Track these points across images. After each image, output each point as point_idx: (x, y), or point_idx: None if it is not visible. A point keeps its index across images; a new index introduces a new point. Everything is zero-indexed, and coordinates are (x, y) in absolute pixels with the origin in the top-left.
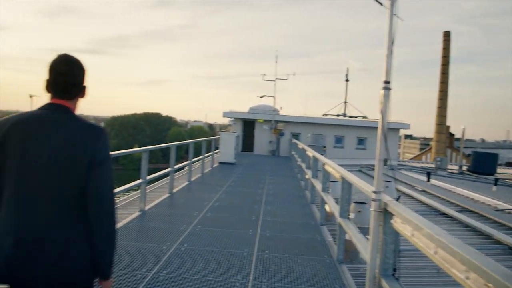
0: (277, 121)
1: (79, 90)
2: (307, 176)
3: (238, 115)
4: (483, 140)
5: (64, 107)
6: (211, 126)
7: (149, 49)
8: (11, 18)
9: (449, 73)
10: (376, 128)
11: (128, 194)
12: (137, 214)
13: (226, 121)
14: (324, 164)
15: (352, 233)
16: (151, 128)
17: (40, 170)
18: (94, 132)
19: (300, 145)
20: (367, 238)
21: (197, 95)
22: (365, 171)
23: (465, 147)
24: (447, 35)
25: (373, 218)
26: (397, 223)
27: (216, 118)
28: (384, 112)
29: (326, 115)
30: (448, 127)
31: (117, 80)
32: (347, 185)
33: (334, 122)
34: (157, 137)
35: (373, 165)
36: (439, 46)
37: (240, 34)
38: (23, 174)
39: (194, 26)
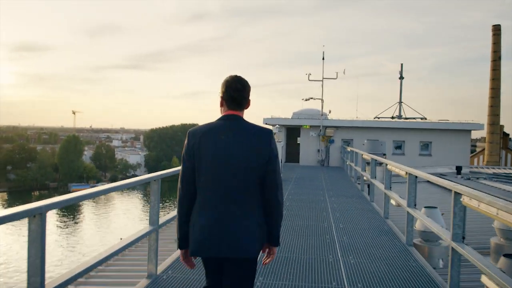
0: (326, 127)
1: (246, 103)
2: (393, 202)
3: (280, 121)
4: None
5: (239, 116)
6: None
7: (185, 62)
8: (53, 39)
9: (501, 69)
10: (442, 130)
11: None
12: (144, 282)
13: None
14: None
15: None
16: None
17: (232, 165)
18: (268, 134)
19: (367, 155)
20: None
21: None
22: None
23: None
24: (497, 29)
25: None
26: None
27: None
28: None
29: (379, 118)
30: (501, 126)
31: (154, 93)
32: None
33: (392, 126)
34: None
35: (444, 174)
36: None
37: (274, 42)
38: (218, 169)
39: (227, 37)
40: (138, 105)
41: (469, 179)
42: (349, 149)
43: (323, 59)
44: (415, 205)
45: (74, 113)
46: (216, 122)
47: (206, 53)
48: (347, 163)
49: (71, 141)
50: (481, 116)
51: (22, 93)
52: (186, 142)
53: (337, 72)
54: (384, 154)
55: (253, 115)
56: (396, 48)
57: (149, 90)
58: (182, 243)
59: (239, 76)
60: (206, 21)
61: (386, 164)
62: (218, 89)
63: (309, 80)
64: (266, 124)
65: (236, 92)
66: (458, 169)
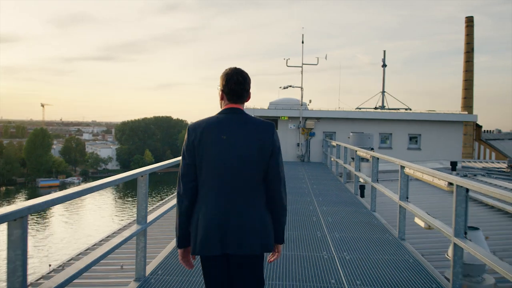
0: (306, 118)
1: (247, 96)
2: (421, 224)
3: (255, 112)
4: (499, 131)
5: (240, 109)
6: None
7: (158, 54)
8: (23, 29)
9: (473, 61)
10: (433, 122)
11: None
12: (133, 286)
13: None
14: None
15: None
16: (162, 132)
17: (234, 160)
18: (270, 127)
19: (364, 152)
20: None
21: (208, 97)
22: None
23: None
24: (470, 21)
25: None
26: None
27: None
28: None
29: (360, 109)
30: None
31: (127, 85)
32: None
33: (378, 117)
34: (168, 141)
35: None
36: (453, 36)
37: (249, 34)
38: (221, 164)
39: (202, 28)
40: (110, 98)
41: (465, 175)
42: (334, 143)
43: (302, 42)
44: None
45: (43, 106)
46: (217, 116)
47: (181, 44)
48: (332, 159)
49: (39, 135)
50: (455, 108)
51: None
52: (186, 137)
53: (317, 58)
54: (372, 148)
55: None
56: (370, 41)
57: (122, 82)
58: (182, 242)
59: (239, 68)
60: (180, 11)
61: (403, 167)
62: (217, 82)
63: (287, 66)
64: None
65: (236, 84)
66: (453, 164)
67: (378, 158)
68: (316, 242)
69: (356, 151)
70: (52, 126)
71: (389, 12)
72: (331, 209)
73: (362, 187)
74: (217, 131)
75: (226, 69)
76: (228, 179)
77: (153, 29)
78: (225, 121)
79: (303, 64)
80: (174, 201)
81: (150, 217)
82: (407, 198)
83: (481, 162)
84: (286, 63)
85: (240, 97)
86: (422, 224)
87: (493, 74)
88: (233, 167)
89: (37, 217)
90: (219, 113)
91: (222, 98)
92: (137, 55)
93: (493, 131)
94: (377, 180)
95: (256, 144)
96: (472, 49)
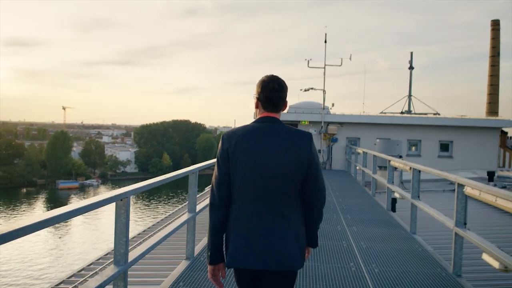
0: (328, 123)
1: (283, 105)
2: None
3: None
4: None
5: (276, 119)
6: None
7: (178, 58)
8: (45, 33)
9: (499, 65)
10: (466, 128)
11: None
12: (183, 263)
13: None
14: None
15: None
16: (180, 135)
17: (269, 171)
18: (308, 138)
19: (400, 164)
20: None
21: (226, 101)
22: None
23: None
24: (496, 24)
25: None
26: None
27: (248, 122)
28: None
29: (385, 113)
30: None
31: (147, 89)
32: None
33: (406, 122)
34: (186, 144)
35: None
36: (475, 41)
37: (268, 38)
38: (255, 175)
39: (221, 33)
40: (130, 101)
41: (504, 187)
42: (360, 150)
43: (325, 42)
44: None
45: (64, 108)
46: (252, 125)
47: (200, 49)
48: (358, 168)
49: (59, 137)
50: (478, 115)
51: (14, 88)
52: (220, 145)
53: (341, 58)
54: (400, 156)
55: (245, 112)
56: (389, 46)
57: (141, 86)
58: (214, 257)
59: (276, 76)
60: (200, 16)
61: (461, 185)
62: (254, 90)
63: (309, 67)
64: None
65: (273, 92)
66: (490, 175)
67: (419, 171)
68: (350, 279)
69: (389, 160)
70: (73, 128)
71: (408, 17)
72: (363, 230)
73: (393, 200)
74: (252, 140)
75: (263, 77)
76: (262, 191)
77: (173, 33)
78: (261, 130)
79: (325, 65)
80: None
81: (198, 207)
82: (465, 224)
83: (508, 171)
84: (308, 64)
85: (276, 106)
86: (495, 264)
87: None
88: (268, 178)
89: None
90: (254, 122)
91: (257, 106)
92: (156, 59)
93: None
94: (418, 196)
95: (293, 156)
96: (498, 53)
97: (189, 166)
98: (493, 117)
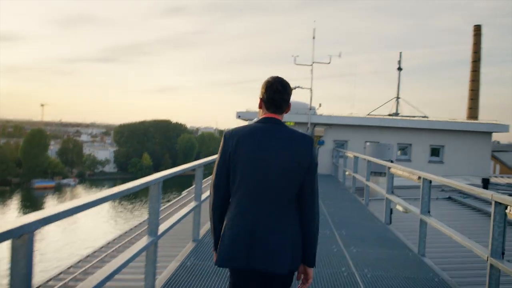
0: (315, 124)
1: (287, 106)
2: None
3: (256, 115)
4: (498, 142)
5: (279, 120)
6: (221, 132)
7: (161, 56)
8: (25, 28)
9: (480, 71)
10: (458, 132)
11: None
12: (190, 244)
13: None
14: None
15: None
16: (161, 135)
17: (269, 172)
18: (309, 141)
19: (405, 172)
20: None
21: (209, 102)
22: (458, 198)
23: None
24: (477, 29)
25: None
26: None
27: (230, 123)
28: None
29: (371, 115)
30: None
31: (129, 87)
32: None
33: (397, 125)
34: (166, 144)
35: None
36: (458, 46)
37: (255, 39)
38: (255, 176)
39: (206, 32)
40: (111, 99)
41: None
42: (350, 154)
43: (313, 38)
44: None
45: (42, 105)
46: (254, 125)
47: (184, 48)
48: (347, 173)
49: (36, 135)
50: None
51: None
52: (221, 144)
53: (330, 56)
54: (392, 161)
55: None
56: (374, 49)
57: (123, 84)
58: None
59: (281, 77)
60: (185, 14)
61: (499, 204)
62: (258, 90)
63: (296, 64)
64: (239, 118)
65: (276, 93)
66: (485, 182)
67: (430, 181)
68: None
69: (388, 167)
70: (51, 126)
71: (394, 21)
72: (364, 251)
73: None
74: (254, 140)
75: (268, 78)
76: (261, 192)
77: (157, 31)
78: (262, 131)
79: (313, 62)
80: None
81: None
82: (503, 253)
83: (502, 177)
84: (295, 60)
85: (279, 107)
86: None
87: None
88: (267, 179)
89: None
90: (257, 122)
91: (260, 107)
92: (139, 57)
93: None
94: (429, 211)
95: (294, 158)
96: (479, 59)
97: (169, 166)
98: (486, 121)
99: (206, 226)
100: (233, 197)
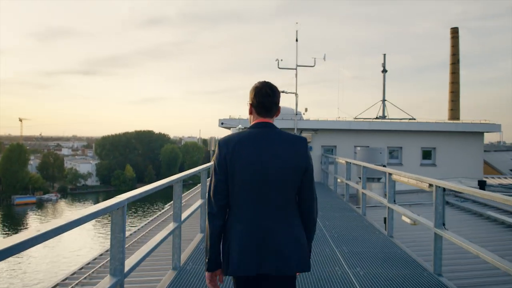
0: (301, 130)
1: (277, 109)
2: None
3: (241, 122)
4: None
5: (272, 124)
6: (205, 142)
7: (141, 68)
8: (3, 42)
9: (459, 73)
10: (449, 133)
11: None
12: (170, 273)
13: (224, 133)
14: None
15: None
16: (143, 146)
17: (266, 178)
18: (304, 143)
19: (411, 179)
20: None
21: (191, 111)
22: (455, 202)
23: None
24: (455, 32)
25: None
26: None
27: (213, 132)
28: None
29: (358, 119)
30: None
31: (110, 99)
32: None
33: (386, 127)
34: (149, 156)
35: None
36: (435, 50)
37: (235, 48)
38: (254, 181)
39: (186, 43)
40: (92, 112)
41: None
42: (342, 160)
43: (296, 40)
44: None
45: (21, 120)
46: (248, 131)
47: (164, 59)
48: (339, 180)
49: (15, 150)
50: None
51: None
52: (217, 152)
53: (314, 58)
54: (384, 165)
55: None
56: (351, 55)
57: (104, 96)
58: (213, 265)
59: (269, 82)
60: (164, 26)
61: None
62: (247, 97)
63: (279, 68)
64: (222, 125)
65: (265, 97)
66: (481, 184)
67: (444, 189)
68: None
69: (389, 173)
70: (31, 141)
71: (370, 27)
72: (372, 272)
73: (385, 219)
74: (250, 146)
75: (255, 83)
76: (263, 196)
77: (136, 43)
78: (258, 136)
79: (297, 65)
80: None
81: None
82: None
83: (492, 178)
84: (278, 64)
85: (269, 111)
86: None
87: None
88: (266, 183)
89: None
90: (250, 128)
91: (251, 112)
92: (119, 69)
93: None
94: (444, 224)
95: (290, 160)
96: (458, 61)
97: (153, 177)
98: (477, 120)
99: (187, 250)
100: (234, 205)
